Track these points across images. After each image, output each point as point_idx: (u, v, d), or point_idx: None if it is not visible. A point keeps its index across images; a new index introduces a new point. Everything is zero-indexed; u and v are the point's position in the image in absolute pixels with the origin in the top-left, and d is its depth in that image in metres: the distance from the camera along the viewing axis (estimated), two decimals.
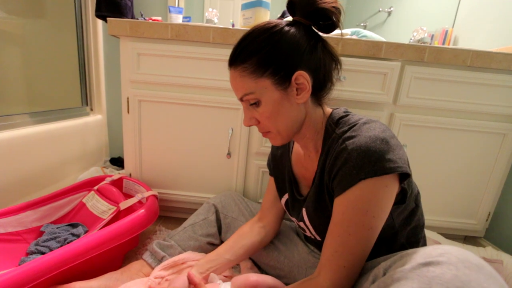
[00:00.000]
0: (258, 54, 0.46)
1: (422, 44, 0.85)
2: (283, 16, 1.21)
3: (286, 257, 0.68)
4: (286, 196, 0.64)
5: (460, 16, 1.29)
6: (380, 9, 1.43)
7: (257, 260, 0.73)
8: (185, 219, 0.83)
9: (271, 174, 0.71)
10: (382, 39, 1.06)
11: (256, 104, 0.49)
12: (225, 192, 0.90)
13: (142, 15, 0.96)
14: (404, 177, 0.44)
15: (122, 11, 1.21)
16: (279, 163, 0.67)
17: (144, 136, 0.98)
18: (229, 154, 0.97)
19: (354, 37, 0.94)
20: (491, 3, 1.12)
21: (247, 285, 0.54)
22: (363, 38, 1.00)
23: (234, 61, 0.48)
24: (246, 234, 0.67)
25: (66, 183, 1.14)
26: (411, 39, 1.18)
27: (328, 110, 0.55)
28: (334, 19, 0.46)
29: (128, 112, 0.96)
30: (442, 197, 0.98)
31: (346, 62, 0.85)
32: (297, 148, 0.62)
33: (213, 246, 0.78)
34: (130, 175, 1.02)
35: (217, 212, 0.80)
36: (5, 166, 0.87)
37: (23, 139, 0.95)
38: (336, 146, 0.47)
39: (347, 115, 0.51)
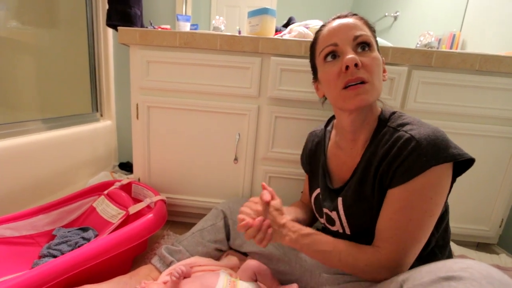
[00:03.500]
0: (372, 24, 0.55)
1: (429, 49, 0.85)
2: (289, 22, 1.23)
3: (297, 262, 0.68)
4: (317, 191, 0.66)
5: (468, 19, 1.28)
6: (386, 14, 1.43)
7: (266, 264, 0.73)
8: (192, 224, 0.84)
9: (305, 170, 0.75)
10: (389, 44, 1.06)
11: (369, 46, 0.51)
12: (234, 198, 0.91)
13: (151, 24, 0.98)
14: (464, 167, 0.47)
15: (132, 20, 1.24)
16: (314, 159, 0.70)
17: (153, 142, 1.00)
18: (236, 159, 0.98)
19: None
20: (498, 6, 1.11)
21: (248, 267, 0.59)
22: None
23: (354, 14, 0.54)
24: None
25: (77, 188, 1.16)
26: (418, 43, 1.18)
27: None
28: None
29: (138, 118, 0.98)
30: (453, 203, 0.96)
31: None
32: (333, 143, 0.65)
33: (221, 252, 0.78)
34: (139, 179, 1.04)
35: (225, 218, 0.80)
36: (19, 171, 0.90)
37: (35, 145, 0.98)
38: (392, 137, 0.49)
39: (395, 112, 0.55)
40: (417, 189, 0.45)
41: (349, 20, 0.53)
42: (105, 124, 1.44)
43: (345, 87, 0.51)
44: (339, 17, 0.55)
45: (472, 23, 1.25)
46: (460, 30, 1.30)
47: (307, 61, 0.86)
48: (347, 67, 0.49)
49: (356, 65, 0.49)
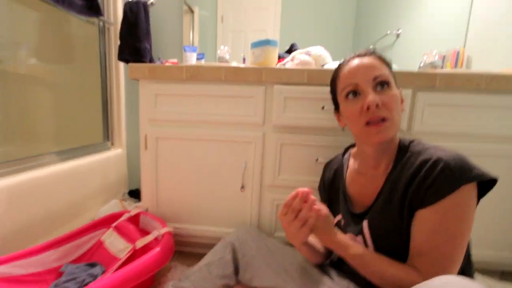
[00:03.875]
0: (388, 61, 0.59)
1: (432, 71, 0.85)
2: (291, 48, 1.26)
3: None
4: (338, 217, 0.67)
5: (471, 36, 1.28)
6: (388, 32, 1.44)
7: None
8: (200, 254, 0.82)
9: (323, 200, 0.76)
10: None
11: (388, 85, 0.55)
12: (243, 227, 0.89)
13: (160, 59, 1.03)
14: (487, 188, 0.49)
15: (142, 54, 1.31)
16: (333, 187, 0.72)
17: (161, 171, 1.01)
18: (243, 187, 0.97)
19: None
20: (501, 21, 1.11)
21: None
22: None
23: (371, 53, 0.58)
24: None
25: (89, 216, 1.18)
26: (421, 62, 1.18)
27: None
28: None
29: (146, 148, 1.00)
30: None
31: None
32: (352, 169, 0.67)
33: None
34: (147, 209, 1.04)
35: (234, 251, 0.78)
36: (32, 205, 0.92)
37: (49, 178, 1.00)
38: (418, 160, 0.51)
39: (414, 140, 0.58)
40: (449, 209, 0.47)
41: (368, 60, 0.57)
42: (116, 153, 1.47)
43: (367, 123, 0.55)
44: (358, 56, 0.59)
45: (475, 39, 1.25)
46: (464, 46, 1.29)
47: (310, 88, 0.88)
48: (368, 107, 0.54)
49: (377, 105, 0.53)
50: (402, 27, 1.40)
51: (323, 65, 1.00)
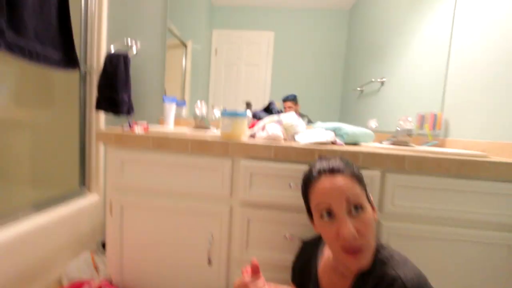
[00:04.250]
0: (358, 173, 0.60)
1: (400, 153, 0.82)
2: (269, 107, 1.25)
3: None
4: None
5: (448, 101, 1.28)
6: (373, 79, 1.46)
7: None
8: None
9: (293, 280, 0.76)
10: (366, 131, 1.05)
11: (362, 208, 0.56)
12: None
13: (129, 122, 1.01)
14: None
15: (119, 106, 1.30)
16: (305, 272, 0.72)
17: (126, 240, 0.97)
18: (210, 262, 0.93)
19: (331, 138, 0.93)
20: (476, 95, 1.10)
21: None
22: (344, 135, 0.99)
23: (343, 170, 0.59)
24: None
25: (56, 273, 1.13)
26: (398, 127, 1.16)
27: None
28: None
29: (111, 214, 0.96)
30: None
31: None
32: (327, 259, 0.67)
33: None
34: (111, 279, 0.99)
35: None
36: (7, 261, 0.87)
37: (18, 233, 0.97)
38: (381, 272, 0.53)
39: (382, 245, 0.59)
40: None
41: (340, 181, 0.57)
42: (91, 200, 1.43)
43: (344, 250, 0.55)
44: (330, 172, 0.59)
45: (452, 107, 1.25)
46: (442, 110, 1.29)
47: (277, 165, 0.85)
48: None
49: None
50: (386, 77, 1.43)
51: (294, 135, 0.98)
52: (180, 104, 1.51)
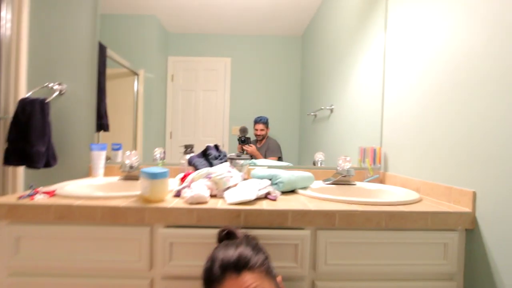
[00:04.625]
0: (264, 261, 0.57)
1: (330, 210, 0.78)
2: (205, 152, 1.16)
3: None
4: None
5: (385, 136, 1.30)
6: (322, 107, 1.49)
7: None
8: None
9: None
10: (304, 175, 1.01)
11: None
12: None
13: (31, 188, 0.86)
14: None
15: (33, 159, 1.13)
16: None
17: None
18: None
19: (264, 191, 0.87)
20: (408, 133, 1.12)
21: None
22: (280, 184, 0.94)
23: (250, 262, 0.54)
24: None
25: None
26: (337, 168, 1.15)
27: None
28: None
29: None
30: None
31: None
32: None
33: None
34: None
35: None
36: None
37: None
38: None
39: None
40: None
41: (248, 282, 0.52)
42: None
43: None
44: (236, 269, 0.54)
45: (389, 141, 1.26)
46: (381, 145, 1.31)
47: (200, 232, 0.76)
48: None
49: None
50: (335, 104, 1.46)
51: (225, 190, 0.90)
52: (116, 148, 1.37)
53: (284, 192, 0.98)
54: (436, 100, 0.94)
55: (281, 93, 1.47)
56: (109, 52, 1.37)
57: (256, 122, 1.43)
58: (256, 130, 1.43)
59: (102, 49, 1.36)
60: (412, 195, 0.93)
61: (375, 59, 1.34)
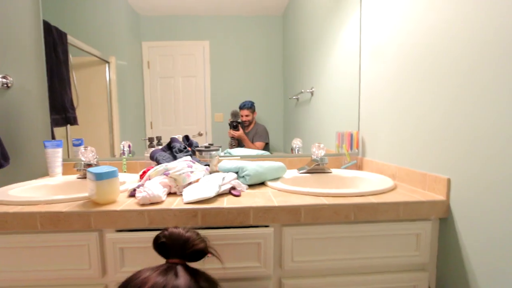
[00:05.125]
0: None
1: (295, 205, 0.71)
2: (170, 144, 1.08)
3: None
4: None
5: (362, 121, 1.23)
6: (302, 90, 1.42)
7: None
8: None
9: None
10: (274, 165, 0.96)
11: None
12: None
13: None
14: None
15: None
16: None
17: None
18: None
19: (227, 186, 0.80)
20: (383, 119, 1.05)
21: None
22: (247, 177, 0.87)
23: None
24: None
25: None
26: (313, 156, 1.09)
27: None
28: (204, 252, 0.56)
29: None
30: None
31: (210, 235, 0.69)
32: None
33: None
34: None
35: None
36: None
37: None
38: None
39: None
40: None
41: None
42: None
43: None
44: None
45: (366, 125, 1.20)
46: (358, 129, 1.24)
47: (153, 235, 0.69)
48: None
49: None
50: (315, 86, 1.40)
51: (185, 186, 0.82)
52: (77, 143, 1.27)
53: (252, 185, 0.91)
54: (411, 82, 0.87)
55: (264, 77, 1.39)
56: (71, 39, 1.25)
57: (241, 108, 1.37)
58: (242, 116, 1.37)
59: (61, 36, 1.23)
60: (386, 182, 0.88)
61: (351, 37, 1.24)
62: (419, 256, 0.76)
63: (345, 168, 1.16)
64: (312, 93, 1.40)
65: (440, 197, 0.75)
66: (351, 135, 1.19)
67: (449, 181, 0.73)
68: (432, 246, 0.77)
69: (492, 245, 0.60)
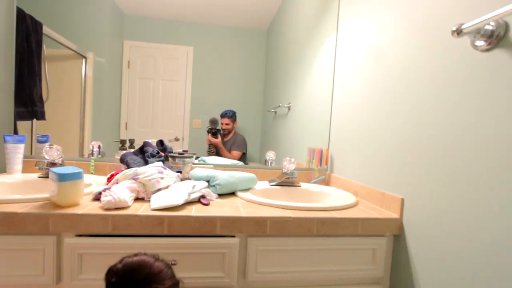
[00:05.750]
0: None
1: (261, 217, 0.73)
2: (142, 148, 1.06)
3: None
4: None
5: (332, 139, 1.29)
6: (280, 105, 1.46)
7: None
8: None
9: None
10: (245, 176, 0.97)
11: None
12: None
13: None
14: None
15: None
16: None
17: None
18: None
19: (197, 194, 0.80)
20: (350, 139, 1.11)
21: None
22: (217, 187, 0.88)
23: None
24: None
25: None
26: (283, 169, 1.12)
27: None
28: None
29: None
30: None
31: (175, 244, 0.69)
32: None
33: None
34: None
35: None
36: None
37: None
38: None
39: None
40: None
41: None
42: None
43: None
44: None
45: (335, 144, 1.26)
46: (328, 146, 1.30)
47: (115, 242, 0.67)
48: None
49: None
50: (292, 102, 1.45)
51: (154, 192, 0.81)
52: (42, 140, 1.20)
53: (222, 195, 0.92)
54: (376, 110, 0.94)
55: (245, 88, 1.42)
56: (47, 30, 1.19)
57: (222, 116, 1.38)
58: (222, 124, 1.38)
59: (36, 26, 1.17)
60: (349, 199, 0.93)
61: (327, 60, 1.32)
62: (375, 270, 0.80)
63: (314, 182, 1.21)
64: (289, 108, 1.46)
65: (395, 215, 0.81)
66: (321, 152, 1.25)
67: (402, 200, 0.79)
68: (386, 261, 0.82)
69: (439, 260, 0.66)
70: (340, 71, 1.23)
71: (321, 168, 1.25)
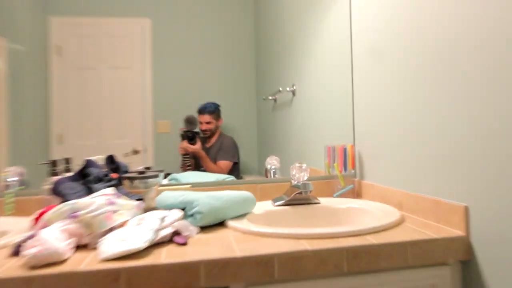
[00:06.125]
0: None
1: (266, 253, 0.71)
2: (84, 169, 1.04)
3: None
4: None
5: (359, 129, 1.29)
6: (280, 89, 1.48)
7: None
8: None
9: None
10: (237, 197, 0.98)
11: None
12: None
13: None
14: None
15: None
16: None
17: None
18: None
19: (169, 230, 0.78)
20: (385, 131, 1.12)
21: None
22: (197, 216, 0.87)
23: None
24: None
25: None
26: (292, 180, 1.12)
27: None
28: None
29: None
30: None
31: None
32: None
33: None
34: None
35: None
36: None
37: None
38: None
39: None
40: None
41: None
42: None
43: None
44: None
45: (364, 137, 1.27)
46: (353, 140, 1.30)
47: None
48: None
49: None
50: (297, 83, 1.46)
51: (104, 234, 0.79)
52: None
53: (205, 228, 0.90)
54: (423, 83, 0.93)
55: (229, 70, 1.43)
56: None
57: (200, 112, 1.38)
58: (201, 123, 1.38)
59: None
60: (391, 215, 0.93)
61: (340, 23, 1.32)
62: None
63: (338, 195, 1.20)
64: (293, 92, 1.47)
65: (458, 231, 0.80)
66: (345, 150, 1.24)
67: (466, 209, 0.78)
68: None
69: None
70: (360, 41, 1.22)
71: (346, 174, 1.25)
